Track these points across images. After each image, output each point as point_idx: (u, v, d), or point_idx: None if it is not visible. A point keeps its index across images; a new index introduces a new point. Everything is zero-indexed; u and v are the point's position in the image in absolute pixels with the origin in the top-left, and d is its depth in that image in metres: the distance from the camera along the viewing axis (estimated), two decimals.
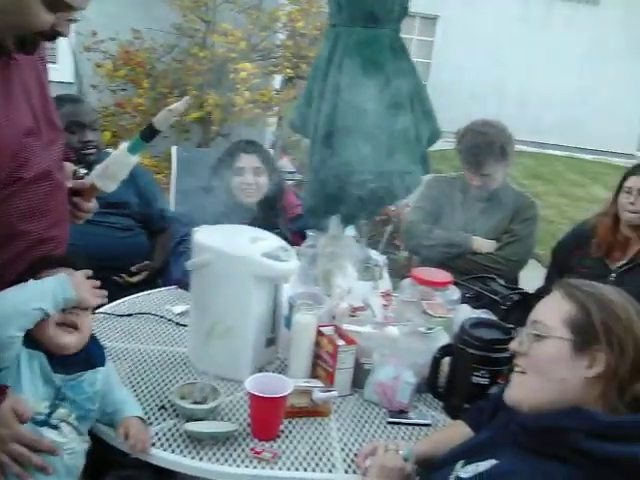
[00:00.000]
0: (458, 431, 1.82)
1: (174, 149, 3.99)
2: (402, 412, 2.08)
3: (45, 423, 1.67)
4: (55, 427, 1.68)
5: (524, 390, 1.52)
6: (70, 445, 1.71)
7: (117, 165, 1.96)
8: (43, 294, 1.63)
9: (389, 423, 2.04)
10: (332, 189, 2.30)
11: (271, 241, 2.20)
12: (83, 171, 2.03)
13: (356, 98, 2.20)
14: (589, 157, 14.28)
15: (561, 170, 12.38)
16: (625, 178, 3.11)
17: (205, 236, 2.17)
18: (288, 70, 5.58)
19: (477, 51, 13.96)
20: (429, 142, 2.42)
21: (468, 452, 1.58)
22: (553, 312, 1.50)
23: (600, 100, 14.51)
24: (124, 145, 1.96)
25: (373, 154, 2.19)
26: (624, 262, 3.08)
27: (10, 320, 1.59)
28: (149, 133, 1.92)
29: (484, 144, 3.23)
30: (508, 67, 14.15)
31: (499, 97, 13.74)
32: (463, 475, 1.49)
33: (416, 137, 2.29)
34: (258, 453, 1.81)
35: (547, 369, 1.47)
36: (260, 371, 2.14)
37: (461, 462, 1.54)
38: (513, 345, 1.57)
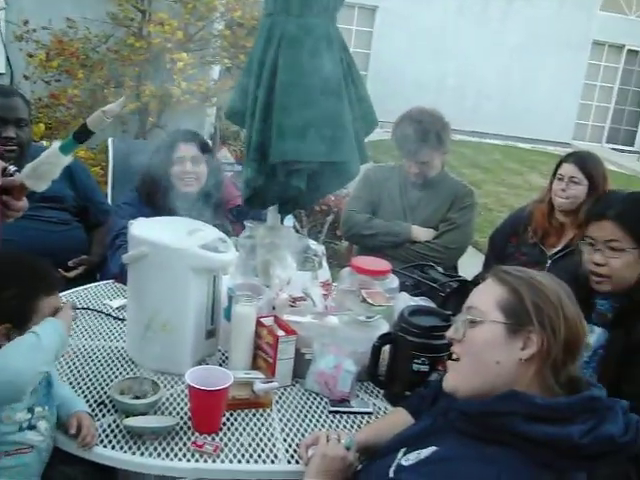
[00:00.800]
0: (399, 418, 1.84)
1: (110, 141, 3.92)
2: (343, 401, 2.09)
3: (28, 427, 1.71)
4: (34, 427, 1.72)
5: (460, 376, 1.54)
6: (46, 442, 1.76)
7: (48, 165, 1.91)
8: (50, 356, 1.69)
9: (331, 412, 2.05)
10: (269, 179, 2.29)
11: (209, 232, 2.18)
12: (13, 168, 1.96)
13: (292, 88, 2.18)
14: (527, 146, 14.56)
15: (500, 159, 12.59)
16: (559, 166, 3.19)
17: (141, 229, 2.14)
18: (226, 60, 5.52)
19: (416, 42, 14.08)
20: (366, 132, 2.41)
21: (409, 440, 1.59)
22: (487, 297, 1.53)
23: (537, 91, 14.81)
24: (56, 144, 1.91)
25: (309, 144, 2.18)
26: (559, 248, 3.16)
27: (27, 382, 1.64)
28: (82, 134, 1.87)
29: (420, 131, 3.26)
30: (447, 58, 14.30)
31: (438, 88, 13.88)
32: (404, 463, 1.50)
33: (353, 127, 2.29)
34: (200, 446, 1.80)
35: (482, 353, 1.50)
36: (200, 364, 2.13)
37: (403, 450, 1.56)
38: (449, 333, 1.59)
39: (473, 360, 1.51)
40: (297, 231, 5.12)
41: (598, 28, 15.09)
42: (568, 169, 3.12)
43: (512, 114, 14.67)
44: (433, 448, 1.48)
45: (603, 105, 16.35)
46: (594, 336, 2.30)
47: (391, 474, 1.50)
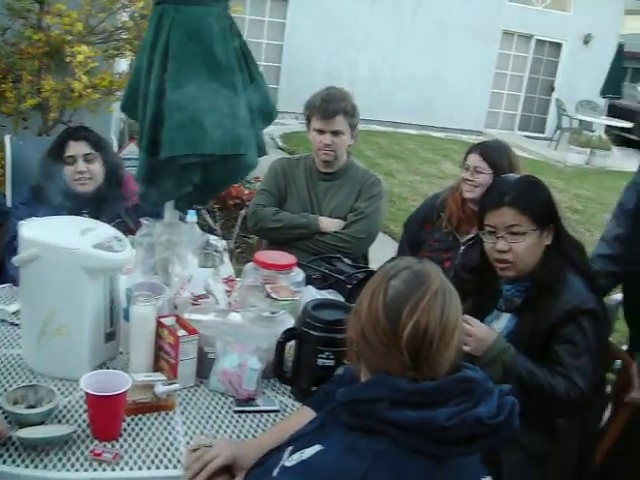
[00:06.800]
0: (304, 417, 1.78)
1: (7, 138, 3.76)
2: (249, 400, 2.04)
3: None
4: None
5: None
6: None
7: None
8: None
9: (236, 412, 2.00)
10: (162, 174, 2.21)
11: (103, 231, 2.11)
12: None
13: (182, 78, 2.11)
14: (441, 135, 14.77)
15: (414, 148, 12.72)
16: (466, 156, 3.20)
17: (32, 229, 2.05)
18: (129, 52, 5.37)
19: (329, 32, 14.08)
20: (264, 122, 2.36)
21: (298, 439, 1.55)
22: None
23: (450, 80, 15.02)
24: None
25: (202, 137, 2.11)
26: (472, 235, 3.16)
27: None
28: None
29: (333, 98, 3.21)
30: (360, 48, 14.36)
31: (352, 78, 13.87)
32: (287, 464, 1.45)
33: (250, 118, 2.23)
34: (98, 455, 1.73)
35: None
36: (102, 367, 2.06)
37: (289, 449, 1.51)
38: None
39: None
40: (210, 226, 5.05)
41: (507, 18, 15.40)
42: (473, 159, 3.14)
43: (425, 103, 14.85)
44: (317, 447, 1.43)
45: (514, 94, 16.70)
46: (500, 322, 2.33)
47: (274, 474, 1.45)
